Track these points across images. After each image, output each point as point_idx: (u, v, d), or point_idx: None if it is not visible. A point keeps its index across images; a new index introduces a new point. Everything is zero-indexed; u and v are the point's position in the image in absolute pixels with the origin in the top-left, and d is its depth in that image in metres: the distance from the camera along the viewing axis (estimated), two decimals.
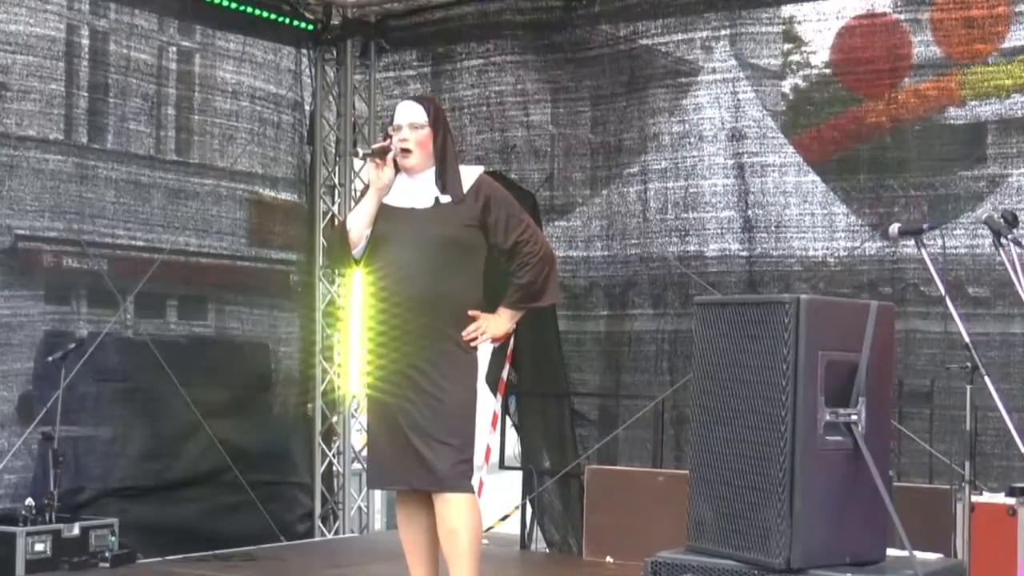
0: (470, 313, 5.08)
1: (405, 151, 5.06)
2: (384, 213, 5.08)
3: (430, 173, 5.10)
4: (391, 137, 5.12)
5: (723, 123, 8.08)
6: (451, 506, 5.00)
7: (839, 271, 7.69)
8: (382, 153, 5.06)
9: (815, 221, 7.82)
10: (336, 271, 8.79)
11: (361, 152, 5.11)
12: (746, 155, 8.01)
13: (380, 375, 5.08)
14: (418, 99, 5.39)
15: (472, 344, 5.11)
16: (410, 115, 5.11)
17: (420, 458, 4.98)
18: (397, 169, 5.12)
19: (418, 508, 5.13)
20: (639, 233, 8.39)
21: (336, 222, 8.96)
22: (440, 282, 5.00)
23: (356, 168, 9.58)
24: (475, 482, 9.08)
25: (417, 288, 4.99)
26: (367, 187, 5.19)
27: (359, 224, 5.09)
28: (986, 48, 7.32)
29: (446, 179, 5.08)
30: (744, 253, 8.01)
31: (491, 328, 5.14)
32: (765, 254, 7.96)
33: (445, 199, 5.06)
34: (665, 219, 8.29)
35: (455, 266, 5.05)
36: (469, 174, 5.16)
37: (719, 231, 8.10)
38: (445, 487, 4.99)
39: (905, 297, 7.31)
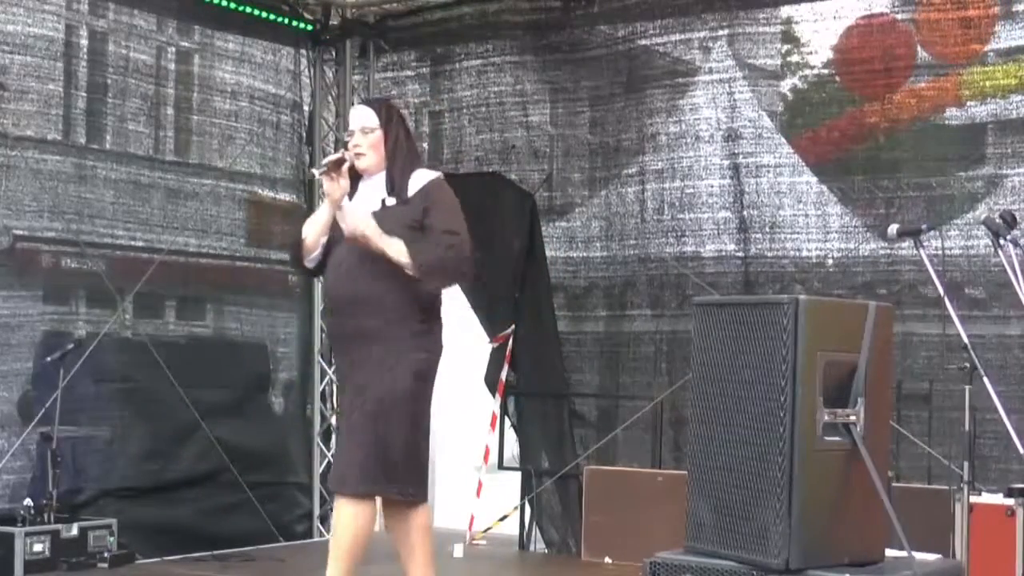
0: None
1: (358, 155, 5.13)
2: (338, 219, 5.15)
3: (382, 176, 5.15)
4: (346, 145, 5.18)
5: (721, 124, 8.08)
6: (403, 509, 5.07)
7: (834, 272, 7.69)
8: (337, 165, 5.09)
9: (809, 223, 7.81)
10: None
11: (316, 172, 5.15)
12: (744, 156, 8.01)
13: (342, 376, 5.17)
14: (370, 102, 5.51)
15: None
16: (361, 119, 5.18)
17: (371, 461, 4.97)
18: (359, 175, 5.16)
19: (361, 510, 5.10)
20: (637, 234, 8.39)
21: None
22: (381, 283, 5.00)
23: None
24: (474, 483, 9.12)
25: (359, 289, 5.02)
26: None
27: (313, 233, 5.16)
28: (981, 48, 7.31)
29: (394, 181, 5.12)
30: (740, 254, 8.02)
31: (359, 214, 4.98)
32: (760, 255, 7.96)
33: (391, 201, 5.10)
34: (663, 220, 8.29)
35: (395, 266, 5.04)
36: (423, 177, 5.15)
37: (716, 232, 8.11)
38: (397, 491, 5.02)
39: (900, 299, 7.29)
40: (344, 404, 5.16)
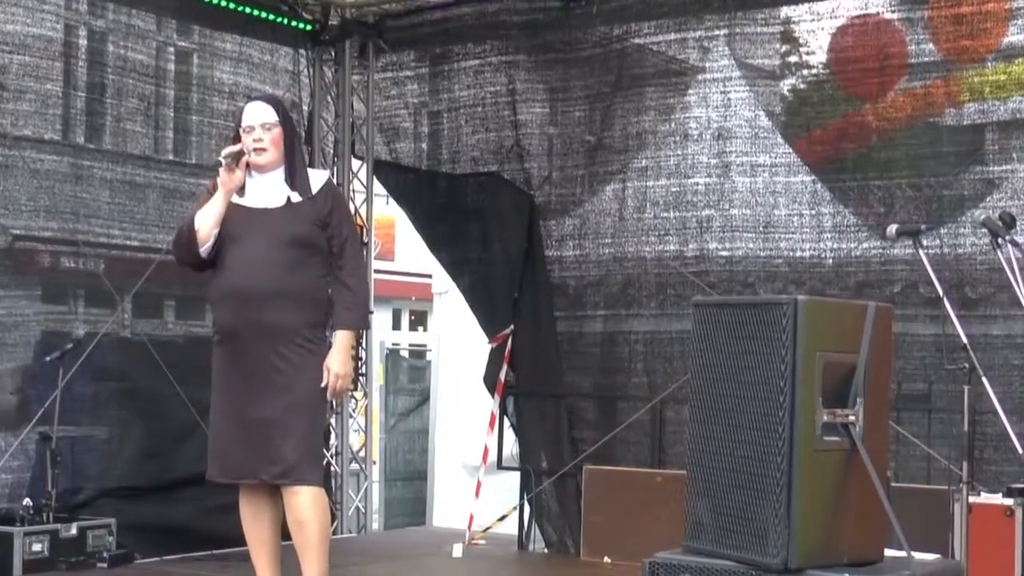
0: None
1: (260, 150, 5.21)
2: (236, 212, 5.22)
3: (279, 172, 5.26)
4: (241, 139, 5.25)
5: (720, 124, 8.07)
6: (300, 498, 5.18)
7: (829, 272, 7.68)
8: (237, 157, 5.20)
9: (807, 222, 7.81)
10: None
11: (223, 161, 5.21)
12: (745, 155, 8.00)
13: (231, 367, 5.21)
14: (266, 99, 5.59)
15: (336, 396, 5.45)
16: (261, 115, 5.27)
17: (270, 451, 5.13)
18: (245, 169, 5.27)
19: (263, 501, 5.34)
20: (635, 233, 8.38)
21: None
22: (291, 277, 5.16)
23: (354, 168, 9.58)
24: (473, 483, 9.11)
25: (269, 284, 5.13)
26: (213, 187, 5.30)
27: (207, 223, 5.22)
28: (981, 45, 7.30)
29: (295, 178, 5.25)
30: (734, 253, 8.00)
31: (340, 373, 5.24)
32: (751, 254, 7.95)
33: (296, 198, 5.22)
34: (662, 219, 8.28)
35: (304, 262, 5.21)
36: (318, 176, 5.37)
37: (717, 231, 8.09)
38: (295, 479, 5.15)
39: (896, 300, 7.27)
40: (238, 394, 5.19)
